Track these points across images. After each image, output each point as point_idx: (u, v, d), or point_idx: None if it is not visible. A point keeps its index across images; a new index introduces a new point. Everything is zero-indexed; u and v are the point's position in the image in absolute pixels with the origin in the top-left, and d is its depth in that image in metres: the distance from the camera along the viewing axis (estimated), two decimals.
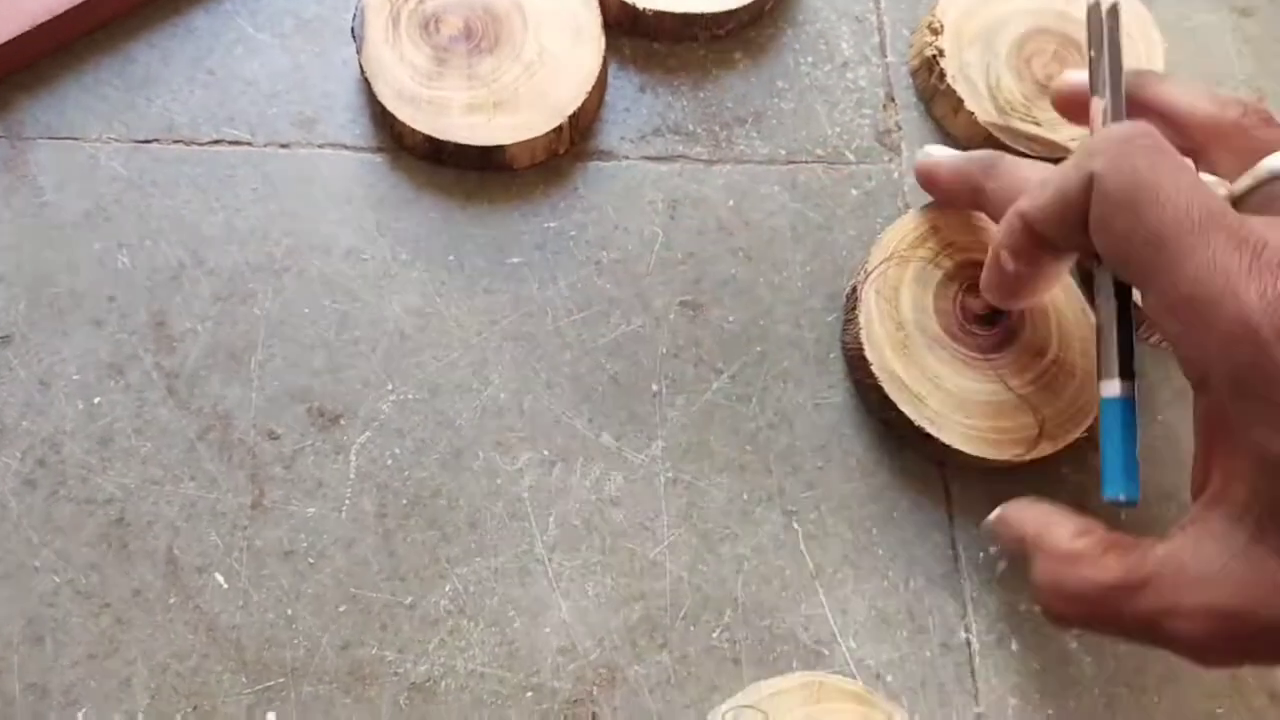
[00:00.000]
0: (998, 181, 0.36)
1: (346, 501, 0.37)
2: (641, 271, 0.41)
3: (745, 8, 0.45)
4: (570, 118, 0.41)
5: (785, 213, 0.43)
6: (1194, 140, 0.34)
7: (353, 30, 0.42)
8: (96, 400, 0.37)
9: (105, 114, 0.42)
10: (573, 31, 0.43)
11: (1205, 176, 0.34)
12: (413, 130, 0.41)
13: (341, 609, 0.35)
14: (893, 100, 0.46)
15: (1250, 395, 0.26)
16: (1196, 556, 0.27)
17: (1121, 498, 0.32)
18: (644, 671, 0.35)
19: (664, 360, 0.40)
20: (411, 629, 0.35)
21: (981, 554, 0.38)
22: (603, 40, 0.43)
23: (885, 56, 0.47)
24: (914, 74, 0.46)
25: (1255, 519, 0.26)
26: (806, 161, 0.44)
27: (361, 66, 0.41)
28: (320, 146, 0.42)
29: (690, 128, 0.44)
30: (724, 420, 0.39)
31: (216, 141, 0.42)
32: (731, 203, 0.43)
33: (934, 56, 0.44)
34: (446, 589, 0.36)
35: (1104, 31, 0.36)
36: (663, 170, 0.43)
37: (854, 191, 0.44)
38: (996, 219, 0.35)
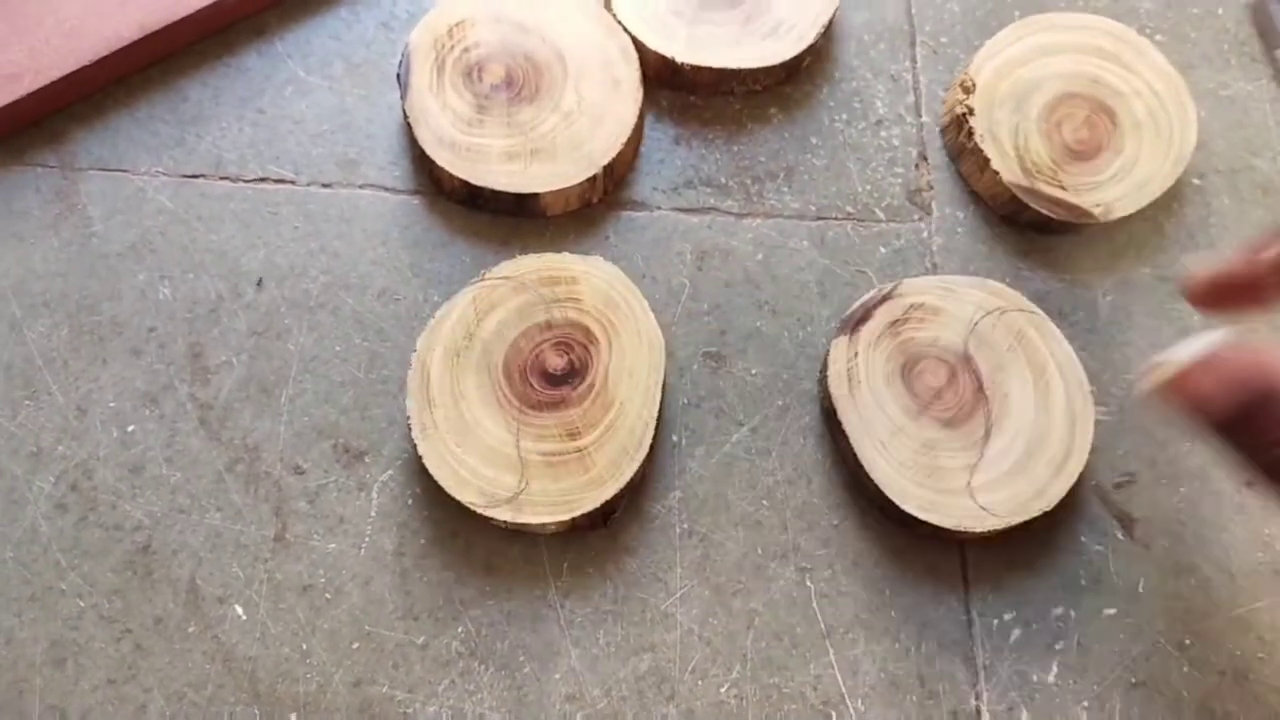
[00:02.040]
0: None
1: (366, 538, 0.37)
2: (667, 321, 0.42)
3: (782, 65, 0.45)
4: (605, 168, 0.42)
5: (813, 268, 0.43)
6: None
7: (398, 76, 0.43)
8: (130, 428, 0.38)
9: (155, 148, 0.43)
10: (612, 83, 0.44)
11: None
12: (451, 175, 0.42)
13: (355, 645, 0.36)
14: (925, 160, 0.46)
15: None
16: None
17: None
18: None
19: (685, 410, 0.40)
20: (423, 669, 0.36)
21: (995, 621, 0.38)
22: (641, 92, 0.44)
23: (920, 116, 0.47)
24: (944, 131, 0.46)
25: None
26: (836, 218, 0.44)
27: (405, 111, 0.42)
28: (361, 187, 0.43)
29: (722, 181, 0.45)
30: (742, 473, 0.39)
31: (262, 179, 0.43)
32: (760, 256, 0.43)
33: (964, 114, 0.44)
34: (459, 630, 0.36)
35: None
36: (693, 222, 0.44)
37: (882, 249, 0.44)
38: None
